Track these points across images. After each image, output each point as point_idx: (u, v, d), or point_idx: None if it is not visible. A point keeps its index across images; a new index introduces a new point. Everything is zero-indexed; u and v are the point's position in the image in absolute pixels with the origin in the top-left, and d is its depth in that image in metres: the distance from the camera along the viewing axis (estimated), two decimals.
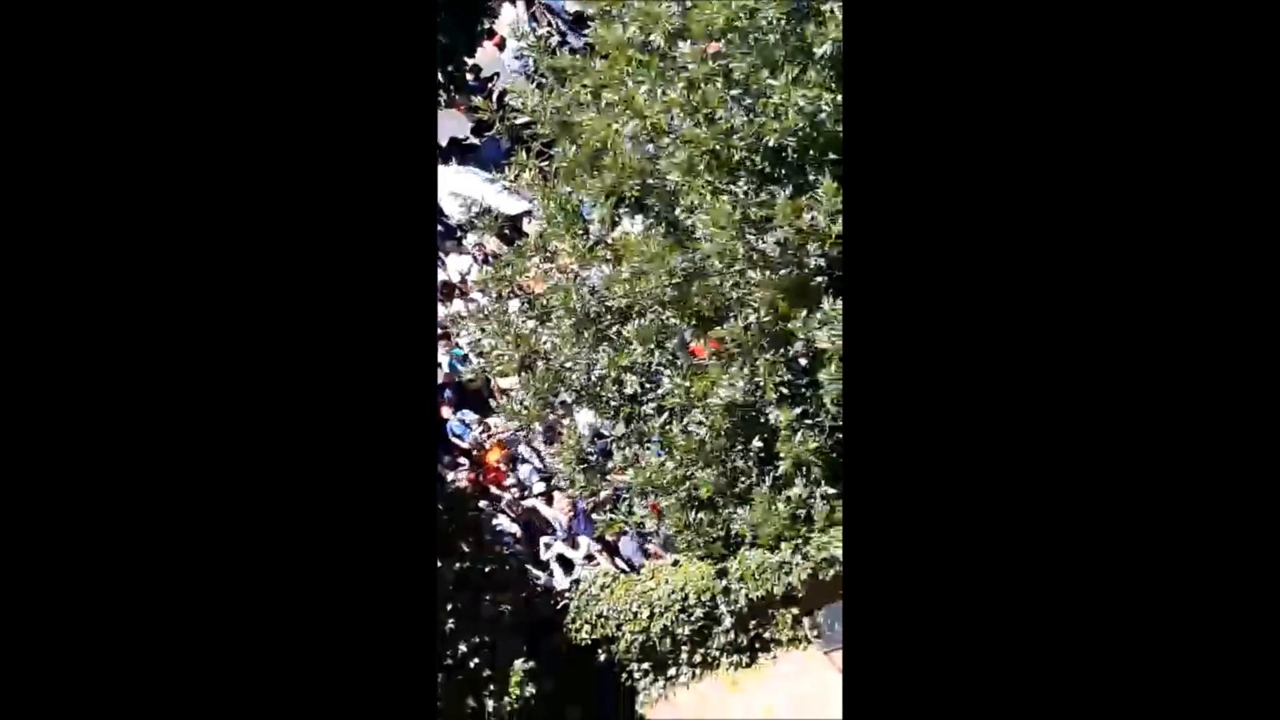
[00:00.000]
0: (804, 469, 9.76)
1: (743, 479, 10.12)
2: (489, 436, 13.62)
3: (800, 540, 10.23)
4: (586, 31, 11.98)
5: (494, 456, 13.44)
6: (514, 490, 13.29)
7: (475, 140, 17.66)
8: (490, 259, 13.85)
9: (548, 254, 11.16)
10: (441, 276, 17.08)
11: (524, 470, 13.43)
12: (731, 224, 9.29)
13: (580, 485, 11.04)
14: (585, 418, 11.35)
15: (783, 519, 9.95)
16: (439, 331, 16.17)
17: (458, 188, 15.35)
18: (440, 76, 17.36)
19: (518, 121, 10.73)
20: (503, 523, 12.99)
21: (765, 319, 9.54)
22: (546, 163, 10.89)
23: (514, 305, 11.14)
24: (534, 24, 16.90)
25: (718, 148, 9.42)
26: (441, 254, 17.22)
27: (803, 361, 9.85)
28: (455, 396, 14.68)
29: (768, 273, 9.34)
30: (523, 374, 10.75)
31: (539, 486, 13.27)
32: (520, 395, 10.79)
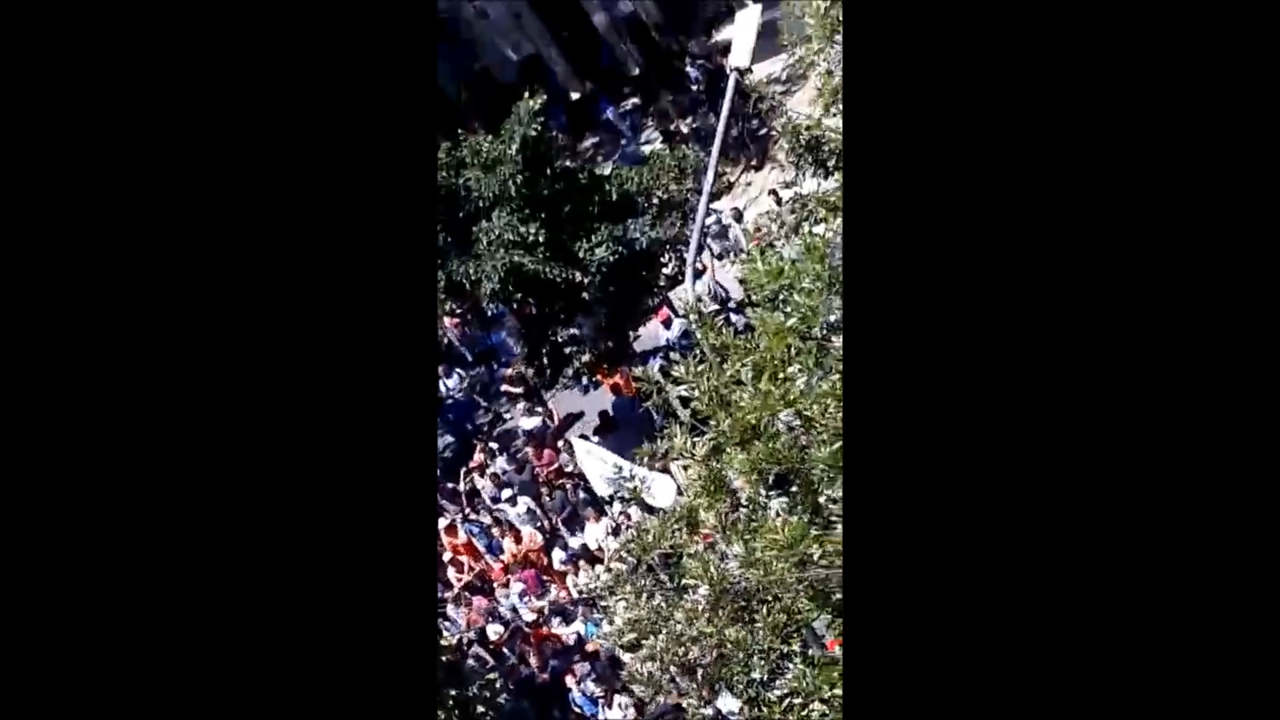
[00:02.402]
0: None
1: None
2: None
3: None
4: (749, 313, 12.29)
5: None
6: None
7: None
8: (633, 528, 13.95)
9: (692, 525, 11.19)
10: (579, 542, 17.22)
11: None
12: None
13: None
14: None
15: None
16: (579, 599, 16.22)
17: (599, 459, 15.72)
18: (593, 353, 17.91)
19: (675, 395, 10.94)
20: None
21: None
22: (699, 437, 11.03)
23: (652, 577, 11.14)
24: (705, 301, 17.42)
25: None
26: (582, 522, 17.39)
27: None
28: (588, 665, 14.59)
29: None
30: (651, 641, 10.65)
31: None
32: (648, 667, 10.68)
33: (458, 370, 22.65)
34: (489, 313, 21.64)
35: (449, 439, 21.65)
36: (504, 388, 21.66)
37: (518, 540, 17.78)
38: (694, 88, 25.40)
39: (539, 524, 17.89)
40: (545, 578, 17.37)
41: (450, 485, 19.56)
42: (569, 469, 18.26)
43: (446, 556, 18.08)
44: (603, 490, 16.76)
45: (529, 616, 16.93)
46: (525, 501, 18.14)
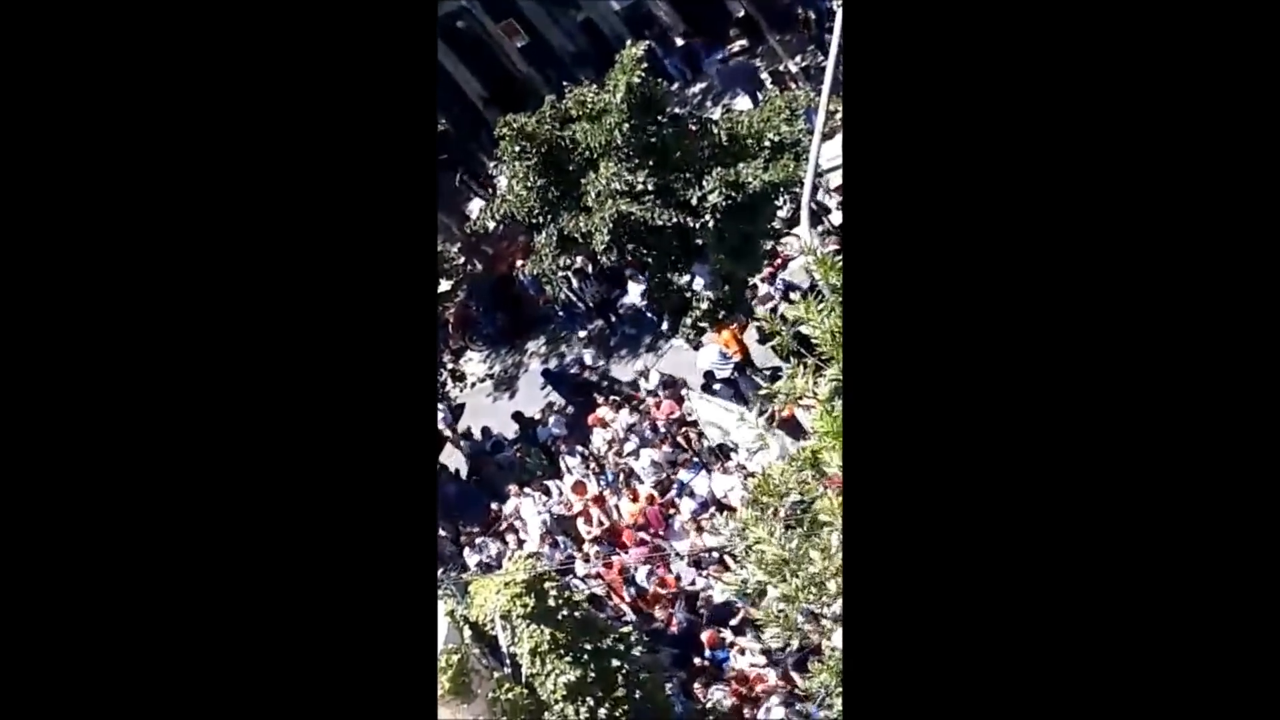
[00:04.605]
0: None
1: None
2: None
3: None
4: None
5: None
6: None
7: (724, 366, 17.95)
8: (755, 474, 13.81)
9: (818, 469, 10.97)
10: (704, 491, 17.07)
11: None
12: None
13: None
14: None
15: None
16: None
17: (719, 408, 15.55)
18: (714, 293, 17.64)
19: (795, 338, 10.69)
20: None
21: None
22: (821, 378, 10.78)
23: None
24: (824, 240, 17.12)
25: None
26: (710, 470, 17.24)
27: None
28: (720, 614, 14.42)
29: None
30: (786, 584, 10.50)
31: None
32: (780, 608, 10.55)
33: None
34: (604, 266, 21.52)
35: (560, 399, 21.63)
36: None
37: (635, 499, 17.65)
38: (802, 27, 24.98)
39: (663, 476, 17.74)
40: (665, 531, 17.24)
41: (575, 444, 19.55)
42: (692, 418, 18.08)
43: (577, 508, 18.07)
44: (721, 440, 16.57)
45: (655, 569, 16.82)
46: (648, 454, 18.00)
